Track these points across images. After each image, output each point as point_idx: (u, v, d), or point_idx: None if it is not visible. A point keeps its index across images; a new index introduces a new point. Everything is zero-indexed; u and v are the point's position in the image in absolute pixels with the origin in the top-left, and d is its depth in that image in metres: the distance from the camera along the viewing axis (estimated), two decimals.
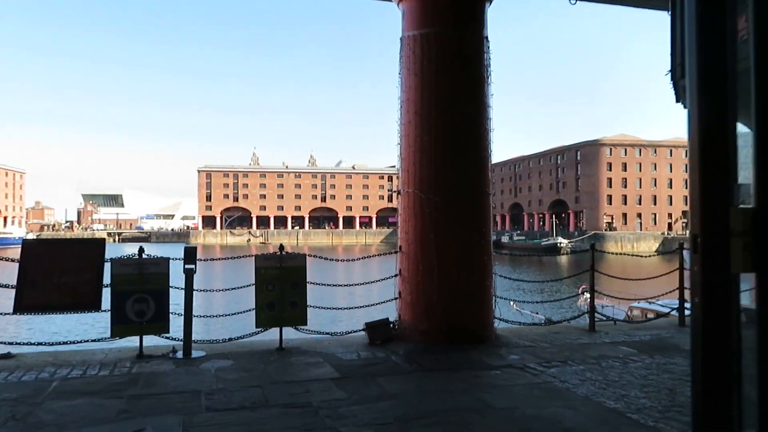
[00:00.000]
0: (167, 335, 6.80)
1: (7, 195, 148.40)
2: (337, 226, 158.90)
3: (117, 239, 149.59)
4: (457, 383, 5.51)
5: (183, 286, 6.75)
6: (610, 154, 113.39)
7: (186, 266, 6.75)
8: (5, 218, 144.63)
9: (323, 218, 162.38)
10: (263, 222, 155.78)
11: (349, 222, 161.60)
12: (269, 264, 7.08)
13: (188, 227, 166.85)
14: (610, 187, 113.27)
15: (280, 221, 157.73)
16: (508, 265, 79.65)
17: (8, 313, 6.27)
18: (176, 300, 6.79)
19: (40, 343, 6.71)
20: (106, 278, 6.48)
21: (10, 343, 6.57)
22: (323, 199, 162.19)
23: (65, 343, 6.73)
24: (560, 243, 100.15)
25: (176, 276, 6.75)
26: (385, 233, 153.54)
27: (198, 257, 6.85)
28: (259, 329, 7.09)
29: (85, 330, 19.40)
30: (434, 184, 7.20)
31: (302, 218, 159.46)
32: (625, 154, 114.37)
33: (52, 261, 6.31)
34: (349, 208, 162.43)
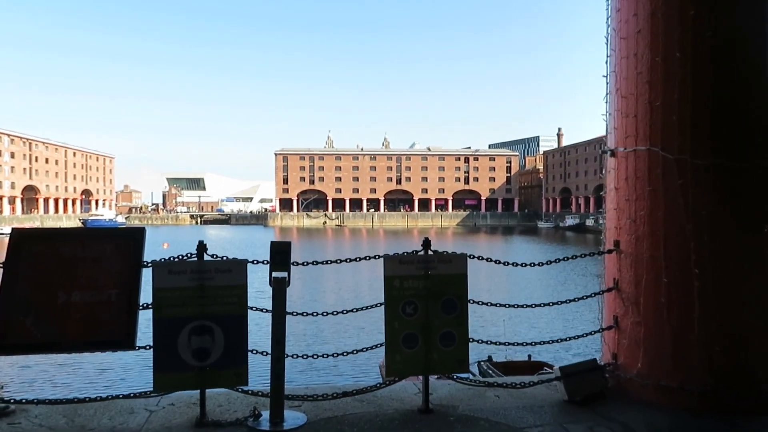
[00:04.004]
0: (244, 388, 4.15)
1: (98, 179, 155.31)
2: (412, 209, 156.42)
3: (199, 221, 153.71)
4: None
5: (269, 307, 4.06)
6: None
7: (274, 274, 4.04)
8: (96, 201, 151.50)
9: (398, 201, 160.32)
10: (339, 204, 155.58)
11: (424, 204, 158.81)
12: (407, 271, 4.25)
13: (266, 210, 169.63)
14: None
15: (356, 204, 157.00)
16: (592, 246, 74.87)
17: None
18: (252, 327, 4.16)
19: (51, 401, 4.16)
20: (146, 294, 3.88)
21: (6, 402, 4.07)
22: (398, 182, 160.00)
23: (85, 400, 4.16)
24: None
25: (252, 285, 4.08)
26: (461, 216, 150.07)
27: (293, 260, 4.10)
28: (390, 379, 4.31)
29: (116, 378, 13.62)
30: (692, 138, 4.14)
31: (377, 201, 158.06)
32: None
33: (55, 268, 3.76)
34: (425, 191, 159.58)
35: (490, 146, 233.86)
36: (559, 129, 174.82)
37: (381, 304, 4.27)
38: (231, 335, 3.98)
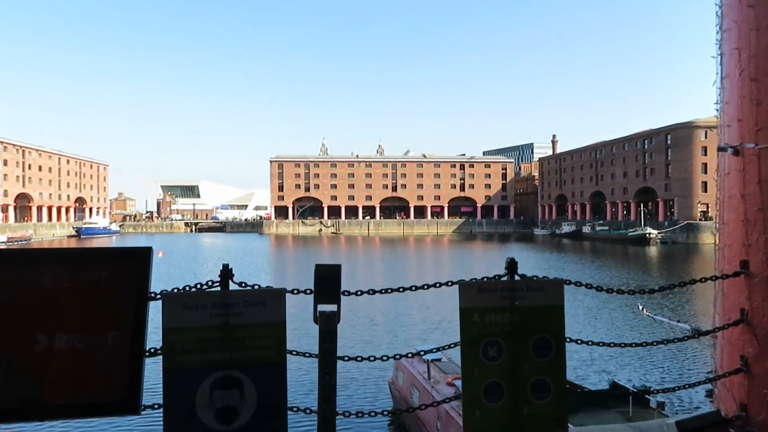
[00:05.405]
0: None
1: (92, 186, 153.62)
2: (408, 216, 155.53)
3: (194, 229, 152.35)
4: None
5: (316, 351, 3.11)
6: (706, 138, 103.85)
7: (320, 308, 3.09)
8: (90, 209, 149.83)
9: (394, 208, 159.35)
10: (334, 212, 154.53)
11: (420, 211, 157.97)
12: (489, 301, 3.31)
13: (261, 217, 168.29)
14: (706, 173, 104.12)
15: (351, 211, 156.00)
16: (590, 254, 73.88)
17: None
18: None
19: None
20: (153, 336, 2.92)
21: None
22: (394, 189, 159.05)
23: None
24: (649, 233, 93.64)
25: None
26: (457, 223, 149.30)
27: (343, 289, 3.15)
28: None
29: None
30: None
31: (373, 208, 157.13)
32: None
33: (33, 302, 2.80)
34: (420, 198, 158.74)
35: (484, 153, 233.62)
36: (554, 136, 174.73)
37: (454, 345, 3.34)
38: (265, 389, 3.03)
